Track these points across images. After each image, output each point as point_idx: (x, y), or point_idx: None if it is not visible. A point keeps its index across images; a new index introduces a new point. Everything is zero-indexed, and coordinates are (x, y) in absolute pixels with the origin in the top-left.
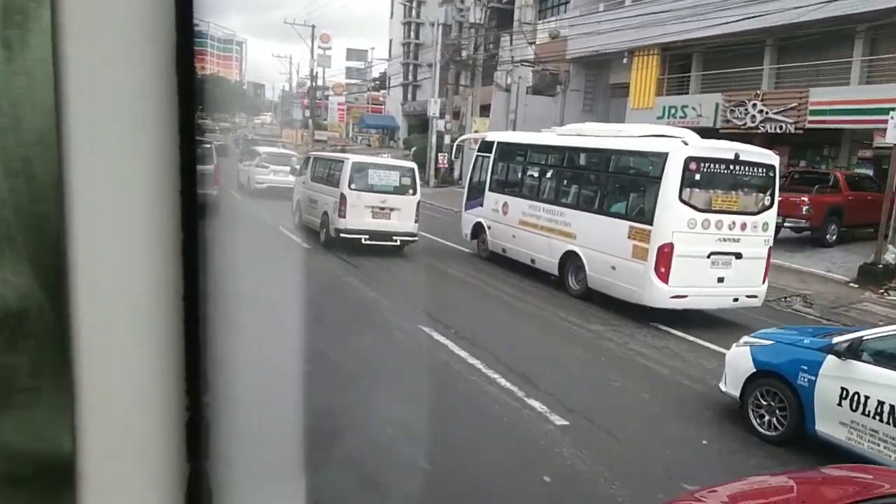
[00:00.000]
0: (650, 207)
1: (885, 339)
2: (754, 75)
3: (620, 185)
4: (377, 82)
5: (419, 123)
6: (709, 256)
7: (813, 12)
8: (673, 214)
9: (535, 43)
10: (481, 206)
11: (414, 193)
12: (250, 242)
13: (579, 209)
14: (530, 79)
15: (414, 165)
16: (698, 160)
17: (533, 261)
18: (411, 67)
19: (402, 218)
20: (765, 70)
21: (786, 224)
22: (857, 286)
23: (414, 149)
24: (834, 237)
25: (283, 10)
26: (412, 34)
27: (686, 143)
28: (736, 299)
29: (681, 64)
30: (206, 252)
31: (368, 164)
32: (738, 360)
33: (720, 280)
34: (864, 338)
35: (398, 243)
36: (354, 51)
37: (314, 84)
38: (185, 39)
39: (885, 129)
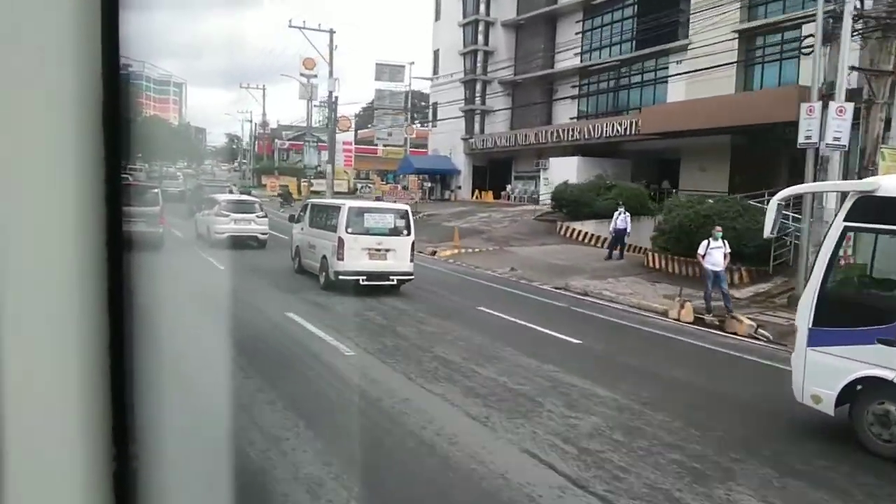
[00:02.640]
0: None
1: None
2: None
3: None
4: (420, 111)
5: (490, 165)
6: None
7: None
8: None
9: None
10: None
11: (408, 234)
12: (192, 286)
13: None
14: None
15: (407, 208)
16: None
17: None
18: (478, 87)
19: (398, 258)
20: None
21: None
22: None
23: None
24: None
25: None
26: (479, 39)
27: None
28: None
29: None
30: (133, 299)
31: (364, 208)
32: None
33: None
34: None
35: (395, 282)
36: (386, 66)
37: (333, 116)
38: (113, 82)
39: None
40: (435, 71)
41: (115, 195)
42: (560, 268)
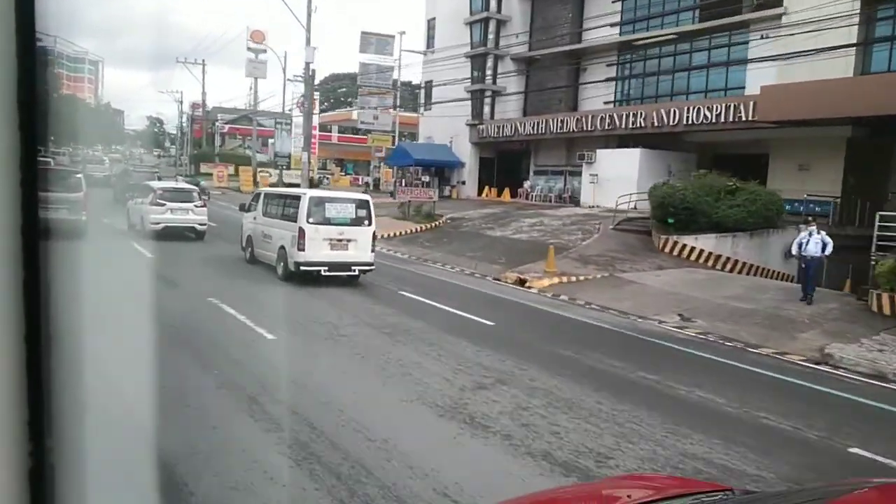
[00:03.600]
0: None
1: None
2: None
3: None
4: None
5: (499, 157)
6: None
7: None
8: None
9: None
10: None
11: (369, 224)
12: (115, 273)
13: None
14: None
15: (368, 197)
16: None
17: None
18: (490, 62)
19: (360, 248)
20: None
21: None
22: None
23: None
24: None
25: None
26: (490, 5)
27: None
28: None
29: None
30: (51, 290)
31: (325, 197)
32: None
33: None
34: None
35: (356, 273)
36: (373, 37)
37: (310, 93)
38: (28, 58)
39: None
40: (428, 44)
41: (32, 180)
42: (749, 314)
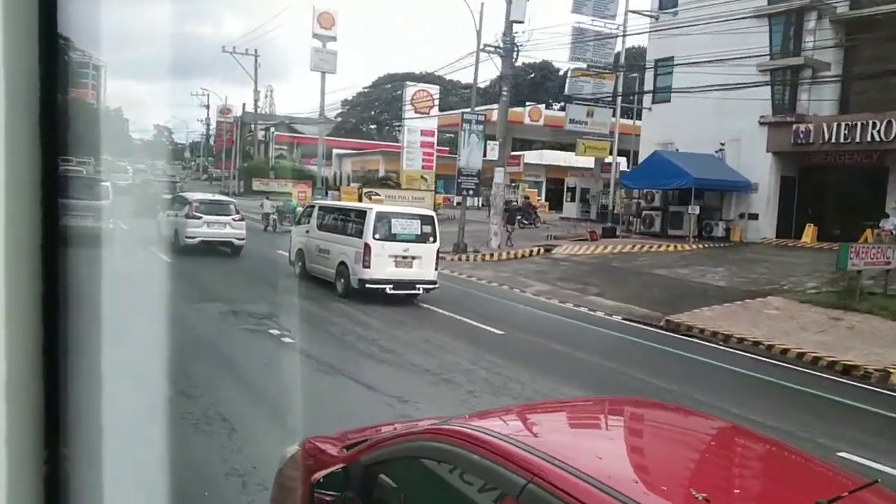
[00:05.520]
0: None
1: None
2: None
3: None
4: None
5: (801, 175)
6: None
7: None
8: None
9: None
10: None
11: (434, 241)
12: (140, 282)
13: None
14: None
15: (433, 213)
16: None
17: None
18: (811, 24)
19: (424, 266)
20: None
21: None
22: None
23: None
24: None
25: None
26: None
27: None
28: None
29: None
30: (71, 298)
31: (391, 213)
32: None
33: None
34: None
35: (420, 291)
36: None
37: (508, 74)
38: (50, 68)
39: None
40: (661, 4)
41: (55, 190)
42: None
